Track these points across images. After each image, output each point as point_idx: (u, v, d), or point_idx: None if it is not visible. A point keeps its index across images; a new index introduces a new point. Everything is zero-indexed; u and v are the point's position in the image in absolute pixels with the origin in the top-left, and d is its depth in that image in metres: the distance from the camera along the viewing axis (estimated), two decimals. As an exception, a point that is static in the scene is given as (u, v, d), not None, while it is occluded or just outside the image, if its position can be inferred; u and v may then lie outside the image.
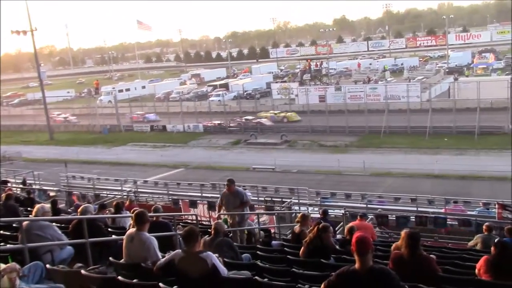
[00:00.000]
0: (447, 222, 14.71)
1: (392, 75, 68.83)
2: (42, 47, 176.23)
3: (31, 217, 7.12)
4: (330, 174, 27.92)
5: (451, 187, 23.49)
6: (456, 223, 14.76)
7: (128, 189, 22.42)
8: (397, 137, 35.78)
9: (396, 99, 43.77)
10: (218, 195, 13.12)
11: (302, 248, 7.12)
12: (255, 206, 17.16)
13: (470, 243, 10.35)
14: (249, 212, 10.52)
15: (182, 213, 16.76)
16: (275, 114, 45.11)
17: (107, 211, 10.27)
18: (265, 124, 43.07)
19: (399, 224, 14.54)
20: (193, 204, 18.19)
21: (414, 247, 5.26)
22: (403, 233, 5.52)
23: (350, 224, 9.94)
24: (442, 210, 16.57)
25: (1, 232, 7.46)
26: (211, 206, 16.55)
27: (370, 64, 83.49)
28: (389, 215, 15.50)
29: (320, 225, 7.22)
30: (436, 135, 35.02)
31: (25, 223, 6.45)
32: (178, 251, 5.32)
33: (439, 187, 23.49)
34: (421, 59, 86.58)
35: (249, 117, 44.12)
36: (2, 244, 6.70)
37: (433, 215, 15.04)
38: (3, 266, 4.88)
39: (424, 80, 55.57)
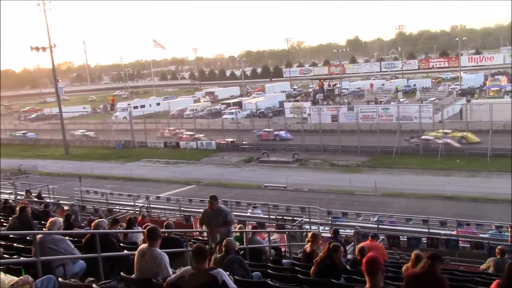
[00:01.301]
0: (459, 245, 14.55)
1: (405, 96, 68.76)
2: (60, 63, 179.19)
3: (45, 230, 7.23)
4: (341, 193, 27.86)
5: (463, 209, 23.26)
6: (468, 245, 14.59)
7: (141, 205, 22.48)
8: (409, 158, 35.58)
9: (408, 119, 43.71)
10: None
11: (313, 267, 7.12)
12: (266, 224, 17.16)
13: (482, 266, 10.26)
14: (232, 230, 9.48)
15: (194, 229, 16.78)
16: (445, 133, 38.14)
17: (119, 226, 10.35)
18: (453, 145, 36.94)
19: (410, 245, 14.42)
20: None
21: (434, 267, 5.15)
22: (413, 254, 5.51)
23: (361, 244, 9.92)
24: (454, 232, 16.39)
25: (15, 244, 7.58)
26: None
27: (383, 84, 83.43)
28: (400, 236, 15.38)
29: (331, 245, 7.21)
30: (448, 156, 34.80)
31: (38, 236, 6.55)
32: (188, 267, 5.30)
33: (451, 208, 23.32)
34: (434, 81, 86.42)
35: (429, 137, 38.56)
36: (15, 256, 6.80)
37: (445, 237, 14.89)
38: (16, 279, 4.97)
39: (436, 102, 55.38)
